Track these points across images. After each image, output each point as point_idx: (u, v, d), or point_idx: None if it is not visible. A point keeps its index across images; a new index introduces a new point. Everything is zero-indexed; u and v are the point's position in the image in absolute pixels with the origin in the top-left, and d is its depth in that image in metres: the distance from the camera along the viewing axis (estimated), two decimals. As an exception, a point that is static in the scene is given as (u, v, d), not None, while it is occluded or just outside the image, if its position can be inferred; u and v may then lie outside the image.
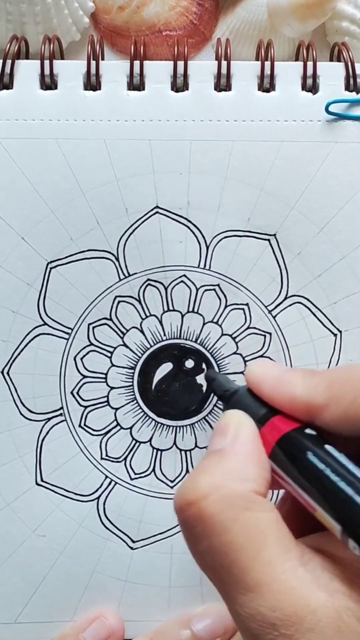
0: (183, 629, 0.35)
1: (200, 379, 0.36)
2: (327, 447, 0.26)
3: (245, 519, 0.24)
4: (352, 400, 0.26)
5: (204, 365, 0.36)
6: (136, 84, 0.36)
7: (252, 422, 0.27)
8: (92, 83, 0.36)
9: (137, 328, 0.36)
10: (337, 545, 0.24)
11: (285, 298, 0.36)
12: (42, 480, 0.36)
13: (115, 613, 0.36)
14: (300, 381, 0.28)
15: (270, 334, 0.36)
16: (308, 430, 0.27)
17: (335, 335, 0.36)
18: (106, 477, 0.36)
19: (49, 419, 0.36)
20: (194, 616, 0.36)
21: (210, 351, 0.36)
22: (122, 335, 0.36)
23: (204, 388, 0.37)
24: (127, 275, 0.36)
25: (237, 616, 0.24)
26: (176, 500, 0.25)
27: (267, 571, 0.23)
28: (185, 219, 0.36)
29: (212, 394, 0.36)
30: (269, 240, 0.36)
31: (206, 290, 0.36)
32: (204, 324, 0.36)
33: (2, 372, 0.36)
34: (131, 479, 0.36)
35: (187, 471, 0.36)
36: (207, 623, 0.35)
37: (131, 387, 0.36)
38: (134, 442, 0.36)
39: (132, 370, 0.36)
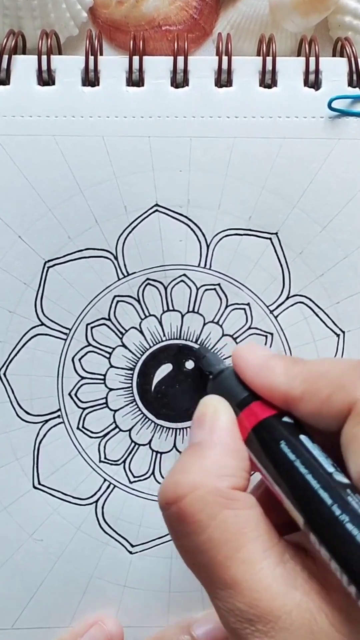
0: (183, 634, 0.36)
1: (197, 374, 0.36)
2: (302, 437, 0.26)
3: (223, 517, 0.25)
4: (326, 397, 0.26)
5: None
6: (135, 79, 0.36)
7: (229, 409, 0.28)
8: (91, 79, 0.36)
9: (136, 328, 0.36)
10: None
11: (287, 298, 0.36)
12: (39, 483, 0.36)
13: (113, 619, 0.37)
14: (282, 369, 0.28)
15: (272, 334, 0.36)
16: (286, 419, 0.27)
17: (338, 335, 0.36)
18: (105, 480, 0.36)
19: (47, 420, 0.36)
20: (195, 621, 0.36)
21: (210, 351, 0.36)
22: (121, 336, 0.36)
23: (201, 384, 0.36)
24: (126, 274, 0.36)
25: (218, 610, 0.25)
26: (159, 498, 0.26)
27: (244, 569, 0.24)
28: (185, 217, 0.36)
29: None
30: (270, 239, 0.36)
31: (206, 289, 0.36)
32: (204, 324, 0.36)
33: (-1, 373, 0.36)
34: (130, 482, 0.36)
35: (187, 474, 0.37)
36: (207, 628, 0.35)
37: (130, 389, 0.36)
38: (133, 444, 0.36)
39: (131, 372, 0.36)
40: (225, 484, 0.26)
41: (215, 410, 0.28)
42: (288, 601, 0.24)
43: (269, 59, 0.36)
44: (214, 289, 0.36)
